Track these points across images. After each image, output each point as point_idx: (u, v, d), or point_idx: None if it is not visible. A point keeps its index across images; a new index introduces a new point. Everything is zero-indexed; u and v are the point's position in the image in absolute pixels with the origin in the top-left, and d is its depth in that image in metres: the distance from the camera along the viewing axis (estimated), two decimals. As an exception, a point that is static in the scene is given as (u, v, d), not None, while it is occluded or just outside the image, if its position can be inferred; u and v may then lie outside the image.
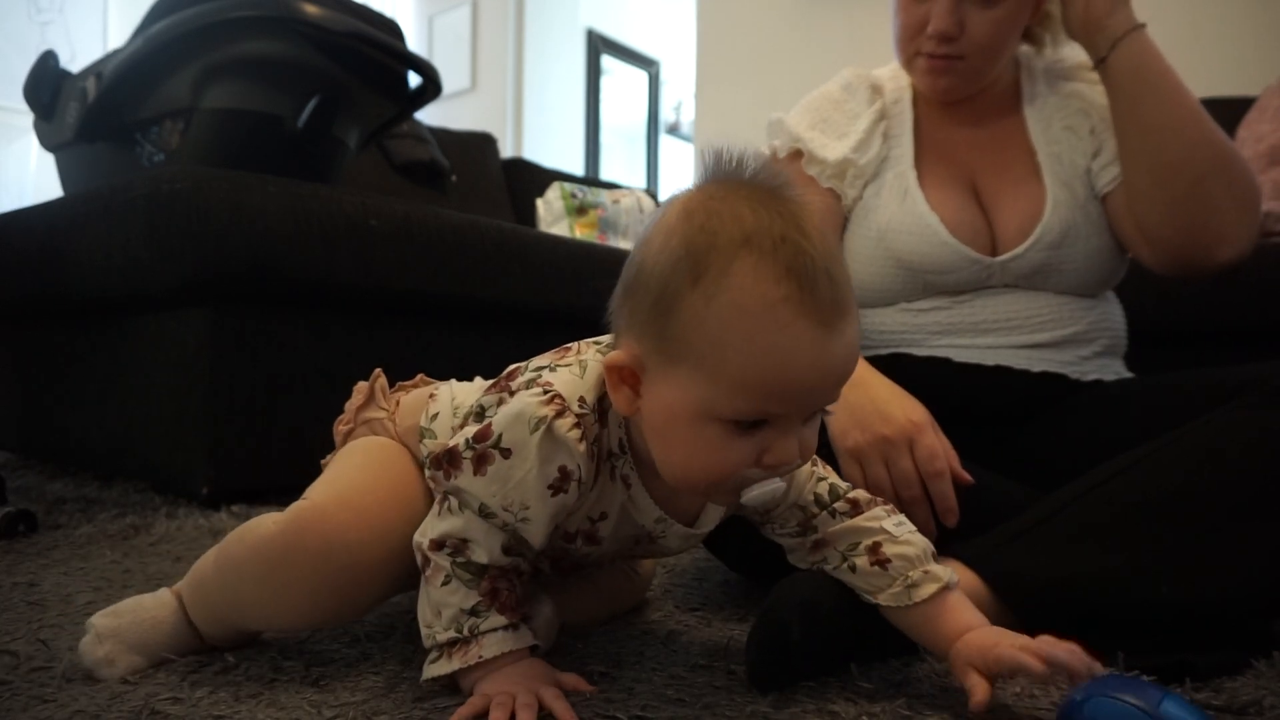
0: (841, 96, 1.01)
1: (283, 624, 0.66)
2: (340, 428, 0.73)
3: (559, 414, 0.54)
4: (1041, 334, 0.90)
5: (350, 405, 0.73)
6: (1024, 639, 0.55)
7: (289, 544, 0.59)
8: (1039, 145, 0.95)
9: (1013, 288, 0.92)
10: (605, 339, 0.59)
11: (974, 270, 0.91)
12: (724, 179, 0.52)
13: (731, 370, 0.48)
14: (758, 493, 0.52)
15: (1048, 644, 0.53)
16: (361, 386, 0.74)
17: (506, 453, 0.54)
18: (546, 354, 0.61)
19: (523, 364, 0.61)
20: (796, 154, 0.99)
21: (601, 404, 0.57)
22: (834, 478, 0.65)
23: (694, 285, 0.48)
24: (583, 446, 0.54)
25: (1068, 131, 0.95)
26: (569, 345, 0.61)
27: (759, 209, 0.49)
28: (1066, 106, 0.96)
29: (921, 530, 0.65)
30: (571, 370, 0.57)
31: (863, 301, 0.97)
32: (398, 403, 0.72)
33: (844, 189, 0.96)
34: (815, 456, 0.62)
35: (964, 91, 0.95)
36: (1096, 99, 0.94)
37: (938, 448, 0.75)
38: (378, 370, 0.74)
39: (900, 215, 0.93)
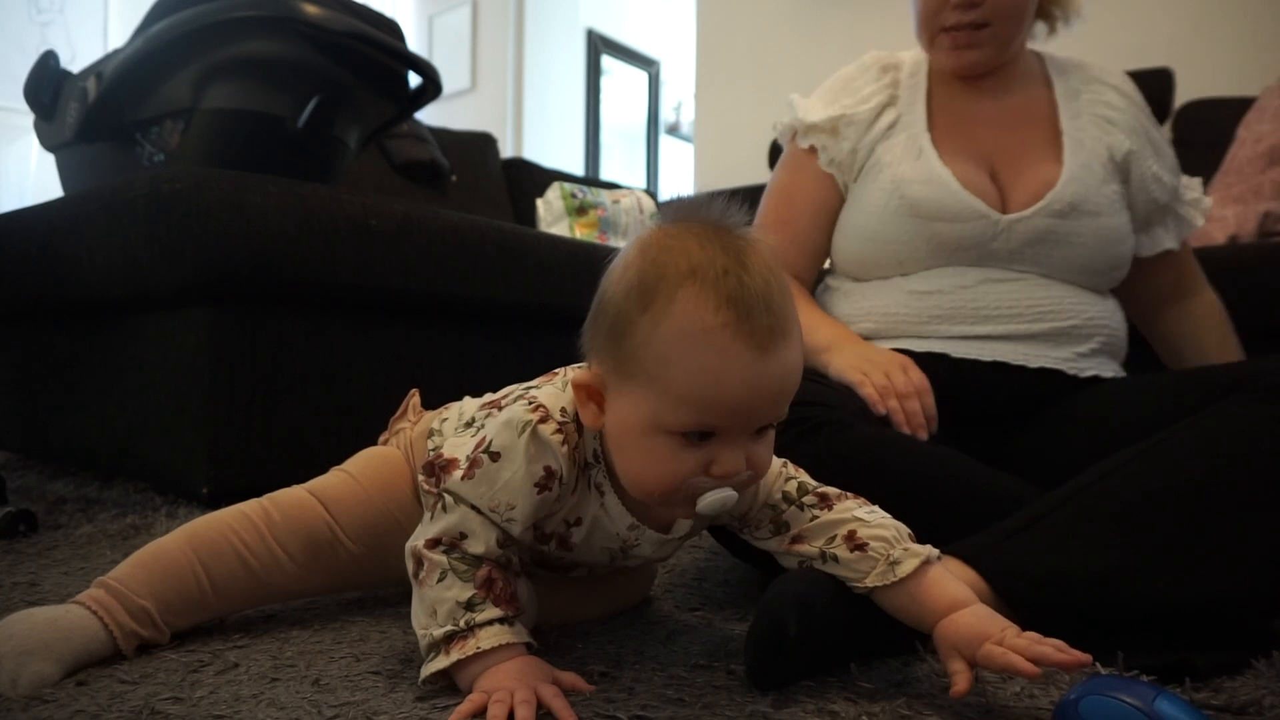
0: (853, 74, 1.06)
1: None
2: (381, 439, 0.83)
3: (543, 419, 0.59)
4: (1040, 324, 0.91)
5: (391, 420, 0.84)
6: (1011, 629, 0.55)
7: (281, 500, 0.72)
8: (1066, 126, 0.98)
9: (1016, 273, 0.93)
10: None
11: (982, 225, 0.93)
12: (681, 219, 0.57)
13: (675, 386, 0.53)
14: (709, 500, 0.56)
15: (1032, 640, 0.54)
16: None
17: (495, 456, 0.59)
18: (536, 379, 0.68)
19: (515, 386, 0.69)
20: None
21: (579, 416, 0.61)
22: (804, 476, 0.68)
23: (644, 311, 0.54)
24: (565, 449, 0.60)
25: (1098, 121, 0.99)
26: (556, 370, 0.68)
27: (707, 245, 0.54)
28: (1097, 100, 1.00)
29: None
30: (554, 386, 0.64)
31: (870, 260, 1.00)
32: (422, 415, 0.81)
33: (839, 146, 1.00)
34: (786, 460, 0.68)
35: (990, 63, 0.99)
36: (1122, 107, 1.00)
37: (924, 377, 0.85)
38: (414, 390, 0.84)
39: (914, 169, 0.96)
